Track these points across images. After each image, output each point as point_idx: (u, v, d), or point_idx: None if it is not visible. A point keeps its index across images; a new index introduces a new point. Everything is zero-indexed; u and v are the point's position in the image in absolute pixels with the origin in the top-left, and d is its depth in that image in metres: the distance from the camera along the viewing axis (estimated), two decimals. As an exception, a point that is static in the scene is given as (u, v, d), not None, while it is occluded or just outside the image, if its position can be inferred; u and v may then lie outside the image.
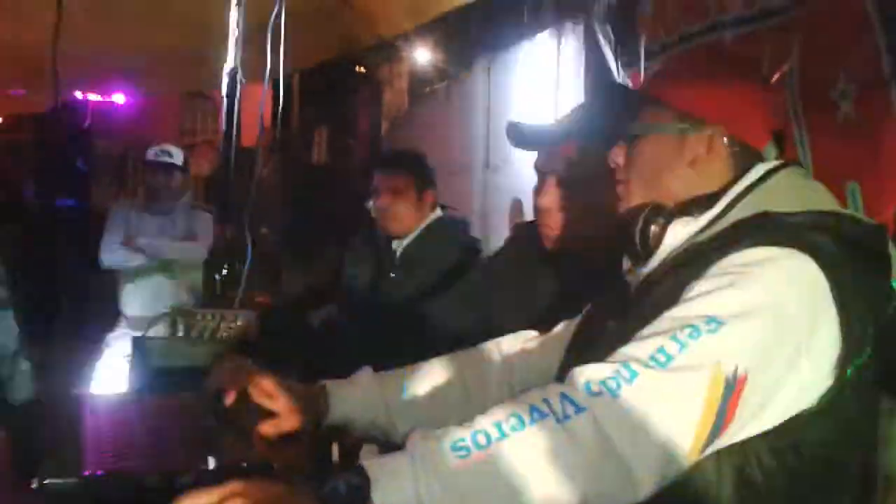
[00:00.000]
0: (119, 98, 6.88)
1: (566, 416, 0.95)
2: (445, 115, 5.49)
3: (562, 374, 1.30)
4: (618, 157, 1.28)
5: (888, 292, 1.15)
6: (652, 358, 0.98)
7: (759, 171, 1.20)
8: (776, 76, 2.29)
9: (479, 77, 4.95)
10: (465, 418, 0.99)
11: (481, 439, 0.94)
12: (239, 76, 3.28)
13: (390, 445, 1.38)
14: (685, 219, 1.18)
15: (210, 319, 2.13)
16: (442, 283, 2.57)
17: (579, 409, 0.95)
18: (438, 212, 2.81)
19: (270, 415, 1.34)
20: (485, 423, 0.96)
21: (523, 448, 0.93)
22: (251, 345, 2.15)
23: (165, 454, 1.17)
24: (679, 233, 1.18)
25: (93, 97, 6.60)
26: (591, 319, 1.37)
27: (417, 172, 2.78)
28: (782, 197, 1.15)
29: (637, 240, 1.19)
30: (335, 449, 1.93)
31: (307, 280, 4.15)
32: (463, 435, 0.95)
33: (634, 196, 1.24)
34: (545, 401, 0.96)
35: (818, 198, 1.18)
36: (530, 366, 1.45)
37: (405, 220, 2.75)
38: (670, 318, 1.04)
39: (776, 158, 1.24)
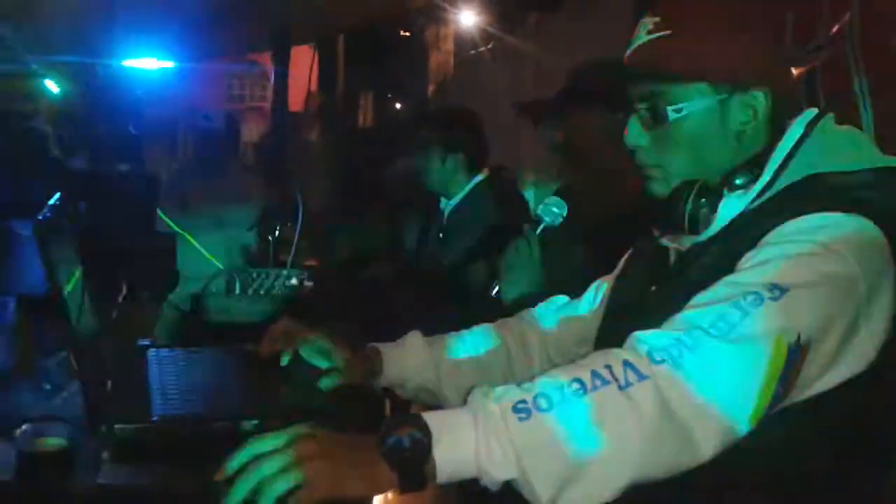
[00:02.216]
0: (170, 64, 6.97)
1: (628, 384, 0.95)
2: (493, 76, 5.45)
3: (602, 338, 1.32)
4: (638, 138, 1.21)
5: None
6: (714, 326, 0.98)
7: (798, 128, 1.17)
8: (836, 28, 2.23)
9: (527, 35, 4.90)
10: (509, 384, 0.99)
11: (542, 402, 0.94)
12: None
13: (438, 406, 1.40)
14: (737, 192, 1.15)
15: (265, 278, 2.17)
16: (486, 246, 2.57)
17: (641, 377, 0.95)
18: (483, 174, 2.79)
19: (324, 373, 1.37)
20: (546, 386, 0.96)
21: (585, 414, 0.94)
22: (305, 303, 2.19)
23: (229, 402, 1.21)
24: (733, 207, 1.16)
25: (145, 64, 6.70)
26: (627, 284, 1.36)
27: (444, 132, 2.76)
28: (828, 154, 1.13)
29: (685, 221, 1.16)
30: (387, 404, 1.97)
31: (355, 242, 4.20)
32: (524, 397, 0.95)
33: (676, 177, 1.19)
34: (607, 367, 0.96)
35: (862, 150, 1.15)
36: (567, 332, 1.45)
37: (431, 178, 2.76)
38: (731, 284, 1.03)
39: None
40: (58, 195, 1.26)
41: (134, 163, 6.44)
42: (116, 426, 1.06)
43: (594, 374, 0.96)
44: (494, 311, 1.81)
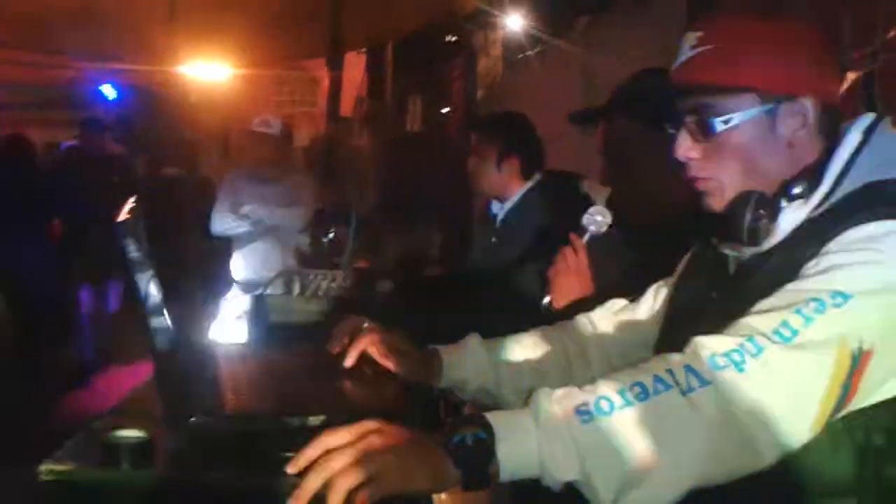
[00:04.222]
0: (222, 72, 7.12)
1: (690, 389, 0.96)
2: (541, 81, 5.46)
3: (662, 343, 1.33)
4: (688, 151, 1.19)
5: None
6: (776, 332, 0.99)
7: (855, 135, 1.16)
8: (893, 32, 2.20)
9: (576, 40, 4.90)
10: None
11: (604, 405, 0.96)
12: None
13: (494, 408, 1.42)
14: (797, 202, 1.15)
15: (322, 279, 2.22)
16: (540, 250, 2.58)
17: (704, 383, 0.96)
18: (536, 177, 2.80)
19: (388, 372, 1.40)
20: (608, 389, 0.98)
21: (646, 418, 0.95)
22: (361, 304, 2.23)
23: (296, 398, 1.25)
24: (793, 217, 1.16)
25: (198, 71, 6.86)
26: (686, 289, 1.36)
27: (499, 136, 2.77)
28: (887, 161, 1.13)
29: (744, 234, 1.16)
30: (441, 405, 2.00)
31: (407, 246, 4.24)
32: (586, 399, 0.97)
33: (729, 189, 1.18)
34: (669, 371, 0.98)
35: None
36: (626, 336, 1.46)
37: (486, 183, 2.77)
38: (793, 291, 1.04)
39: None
40: (134, 198, 1.32)
41: (187, 168, 6.60)
42: (194, 420, 1.11)
43: (656, 378, 0.98)
44: (548, 315, 1.83)
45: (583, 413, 0.96)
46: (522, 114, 3.02)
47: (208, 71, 6.95)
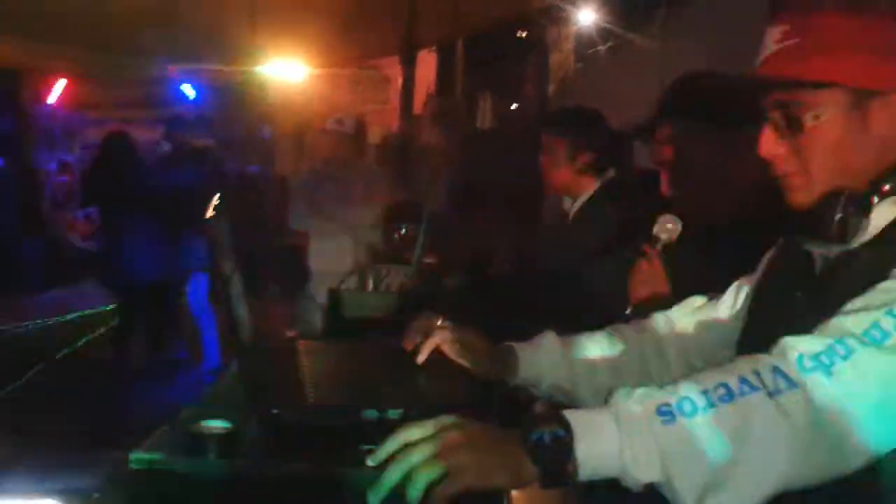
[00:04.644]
0: (298, 71, 7.25)
1: (777, 391, 0.94)
2: (614, 76, 5.40)
3: (746, 343, 1.30)
4: (775, 147, 1.17)
5: None
6: (867, 334, 0.96)
7: None
8: None
9: (654, 33, 4.83)
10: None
11: (687, 407, 0.94)
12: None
13: (569, 405, 1.41)
14: (888, 199, 1.12)
15: (395, 275, 2.25)
16: (610, 248, 2.56)
17: (792, 385, 0.94)
18: (610, 173, 2.77)
19: (462, 368, 1.41)
20: (691, 390, 0.96)
21: (731, 420, 0.93)
22: (434, 300, 2.25)
23: (375, 393, 1.27)
24: (884, 215, 1.12)
25: (275, 71, 7.01)
26: (770, 288, 1.33)
27: (570, 132, 2.74)
28: None
29: (834, 231, 1.12)
30: (517, 402, 2.00)
31: (476, 242, 4.26)
32: (668, 400, 0.95)
33: (818, 186, 1.15)
34: (755, 373, 0.96)
35: None
36: (706, 335, 1.43)
37: (557, 179, 2.75)
38: (884, 291, 1.01)
39: None
40: (219, 195, 1.36)
41: (264, 164, 6.77)
42: (277, 411, 1.14)
43: (742, 379, 0.96)
44: (623, 315, 1.82)
45: (665, 413, 0.95)
46: (594, 109, 2.98)
47: (285, 70, 7.09)
